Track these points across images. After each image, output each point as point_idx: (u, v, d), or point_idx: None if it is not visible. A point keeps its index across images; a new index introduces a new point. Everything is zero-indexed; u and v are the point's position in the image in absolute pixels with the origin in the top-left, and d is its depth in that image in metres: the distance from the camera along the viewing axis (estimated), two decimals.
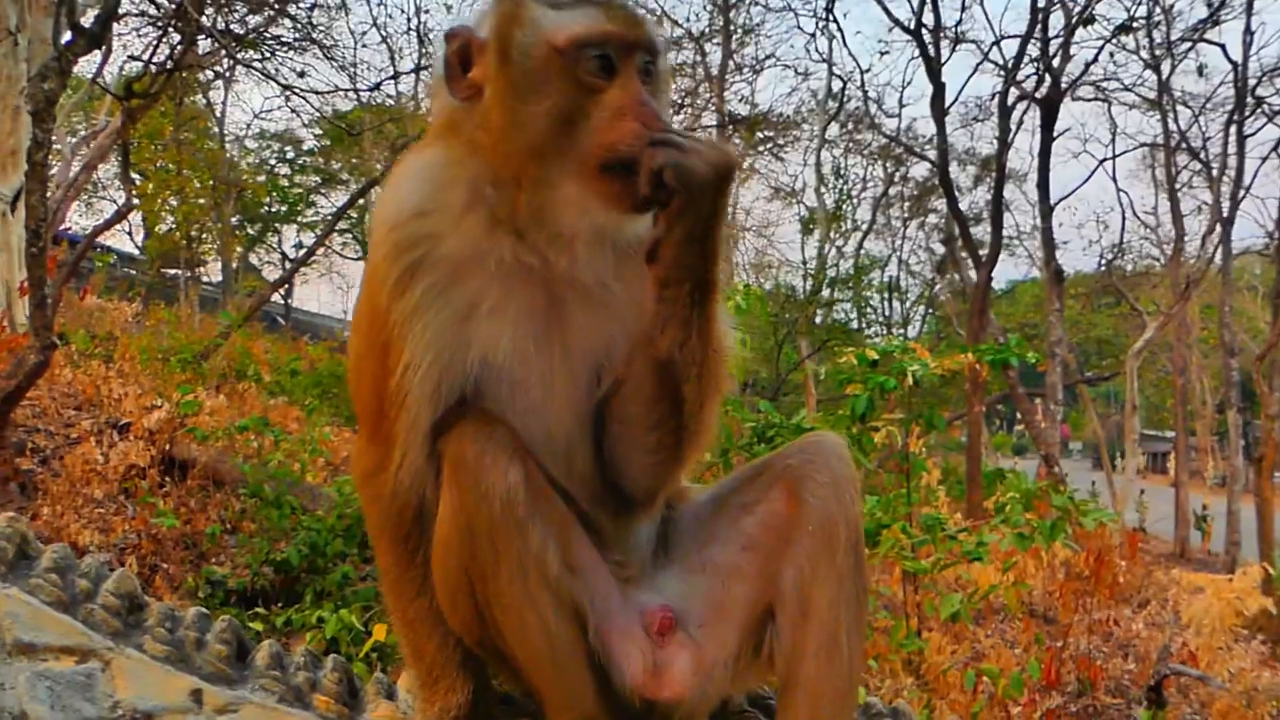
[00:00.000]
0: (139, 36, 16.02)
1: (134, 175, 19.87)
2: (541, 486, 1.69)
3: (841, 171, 31.82)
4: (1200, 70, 21.45)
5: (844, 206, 32.26)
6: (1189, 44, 20.55)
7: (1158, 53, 20.61)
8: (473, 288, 1.69)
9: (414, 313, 1.66)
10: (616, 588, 1.79)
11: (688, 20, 24.02)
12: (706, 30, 23.54)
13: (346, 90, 17.32)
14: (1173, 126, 22.46)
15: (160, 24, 14.54)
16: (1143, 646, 8.34)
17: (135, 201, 18.52)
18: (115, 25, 11.29)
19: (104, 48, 11.68)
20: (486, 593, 1.65)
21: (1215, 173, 21.73)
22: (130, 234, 32.07)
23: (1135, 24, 19.05)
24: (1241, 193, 20.78)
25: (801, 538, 1.75)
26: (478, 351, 1.70)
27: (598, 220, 1.68)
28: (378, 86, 17.73)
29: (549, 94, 1.63)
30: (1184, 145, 22.66)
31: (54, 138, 8.59)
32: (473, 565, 1.64)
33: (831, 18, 21.77)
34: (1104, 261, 27.69)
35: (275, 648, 2.03)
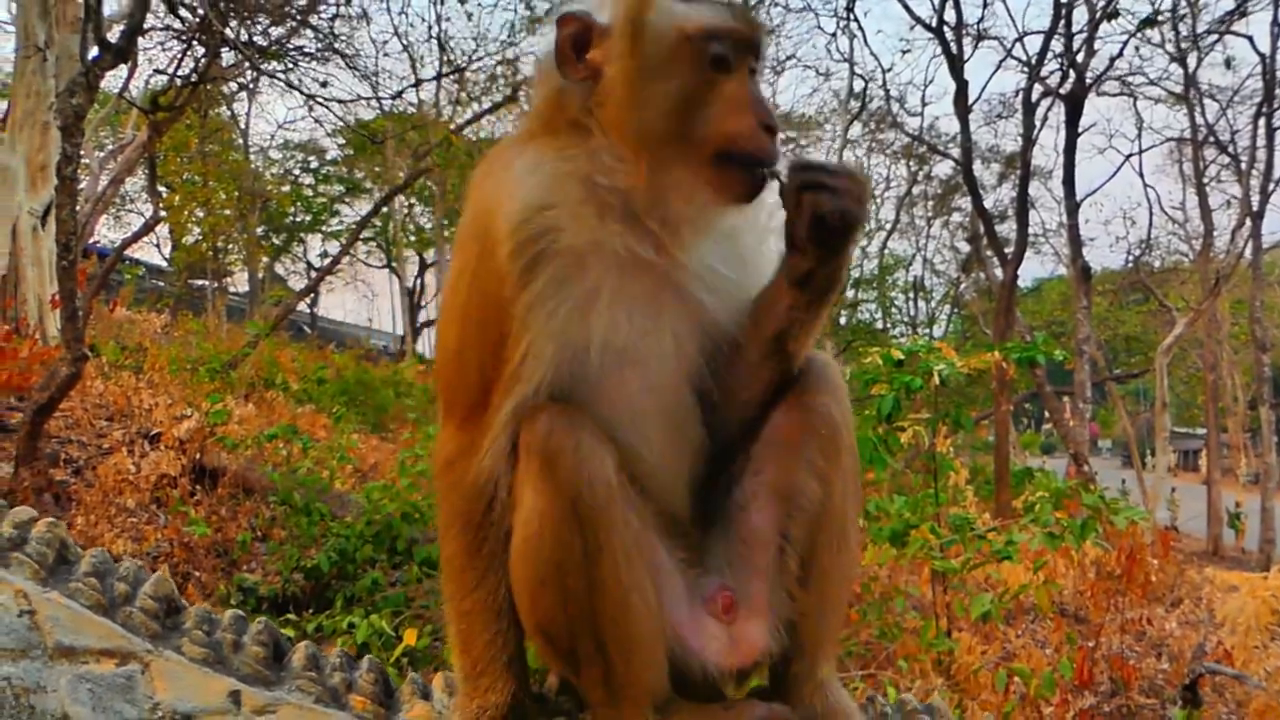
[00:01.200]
0: (164, 50, 16.18)
1: (161, 188, 20.09)
2: (625, 473, 1.73)
3: (864, 171, 31.71)
4: (1228, 62, 21.24)
5: (868, 206, 32.12)
6: (1216, 36, 20.36)
7: (1184, 45, 20.43)
8: (593, 277, 1.73)
9: (537, 303, 1.69)
10: (682, 582, 1.84)
11: None
12: None
13: (369, 99, 17.39)
14: (1200, 120, 22.27)
15: (185, 38, 14.71)
16: (1176, 646, 8.25)
17: (162, 214, 18.72)
18: (140, 40, 11.42)
19: (130, 62, 11.79)
20: (589, 581, 1.67)
21: (1244, 166, 21.51)
22: (158, 246, 32.45)
23: (1160, 17, 18.88)
24: (1271, 186, 20.56)
25: (810, 443, 1.84)
26: (598, 338, 1.74)
27: (703, 207, 1.77)
28: (400, 95, 17.80)
29: (674, 76, 1.72)
30: (1212, 139, 22.44)
31: (82, 152, 8.69)
32: (569, 555, 1.66)
33: (852, 17, 21.69)
34: (1131, 258, 27.49)
35: (311, 649, 2.05)
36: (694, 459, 1.91)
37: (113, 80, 15.25)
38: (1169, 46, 20.59)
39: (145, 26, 11.48)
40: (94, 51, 7.95)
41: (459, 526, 1.82)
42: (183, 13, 13.90)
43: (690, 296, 1.82)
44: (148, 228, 16.64)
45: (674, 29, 1.72)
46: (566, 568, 1.67)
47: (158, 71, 16.20)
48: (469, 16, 19.52)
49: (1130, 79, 21.77)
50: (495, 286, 1.71)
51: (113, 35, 8.49)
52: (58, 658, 1.88)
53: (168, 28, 15.10)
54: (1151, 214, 27.28)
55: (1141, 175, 38.80)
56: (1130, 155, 26.51)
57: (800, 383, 1.87)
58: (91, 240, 18.67)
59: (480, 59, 18.71)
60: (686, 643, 1.80)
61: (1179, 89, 21.81)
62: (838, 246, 1.74)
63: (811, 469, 1.83)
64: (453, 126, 17.88)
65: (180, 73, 14.56)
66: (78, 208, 8.03)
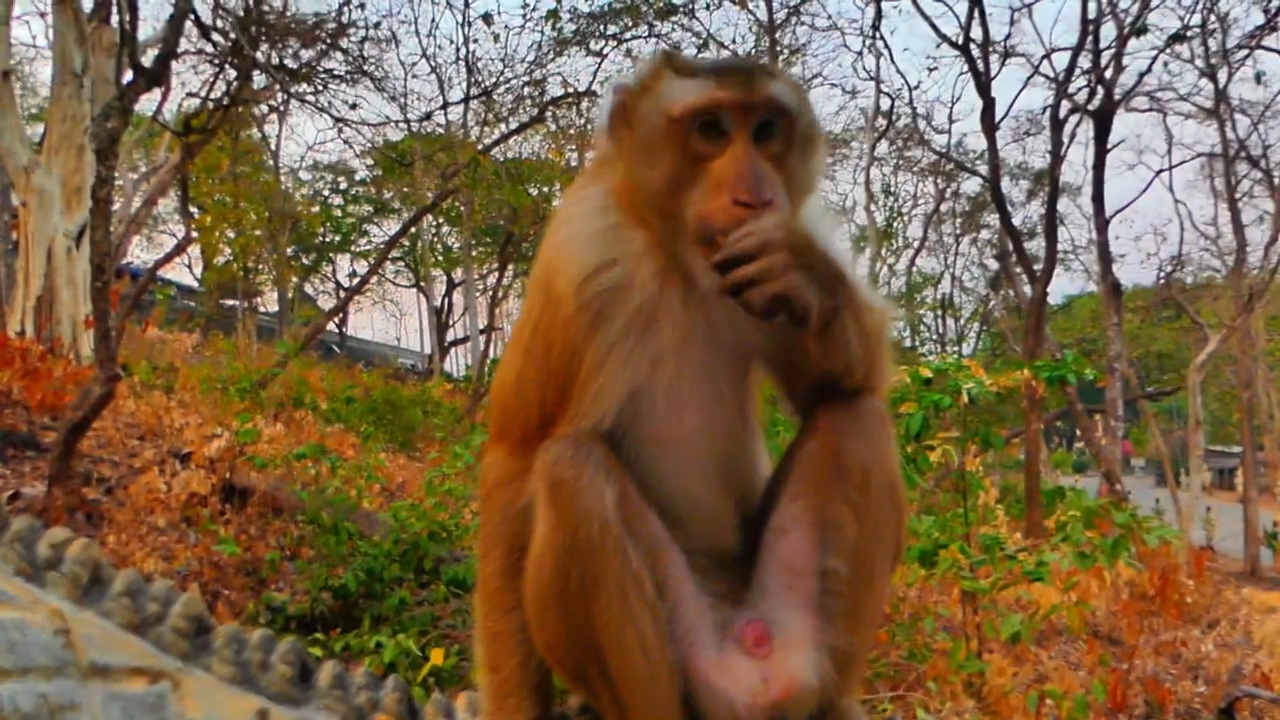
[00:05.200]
0: (197, 74, 16.47)
1: (192, 209, 20.35)
2: (638, 507, 1.74)
3: (892, 189, 31.69)
4: (1258, 77, 21.05)
5: (895, 224, 32.15)
6: (1246, 51, 20.20)
7: (1213, 61, 20.29)
8: (662, 332, 1.76)
9: (607, 353, 1.73)
10: (710, 619, 1.81)
11: (734, 42, 24.09)
12: (754, 52, 23.59)
13: (397, 121, 17.59)
14: (1231, 135, 22.08)
15: (217, 61, 14.93)
16: (1213, 668, 8.12)
17: (194, 234, 18.96)
18: (174, 64, 11.61)
19: (163, 86, 12.01)
20: (586, 610, 1.68)
21: (1277, 181, 21.30)
22: (189, 266, 32.87)
23: (1189, 32, 18.76)
24: None
25: (842, 477, 1.81)
26: (663, 386, 1.78)
27: (712, 281, 1.74)
28: (428, 116, 18.00)
29: (662, 162, 1.71)
30: (1243, 154, 22.24)
31: (116, 174, 8.83)
32: (568, 584, 1.68)
33: (878, 35, 21.65)
34: (1163, 274, 27.22)
35: (338, 669, 2.06)
36: (743, 494, 1.92)
37: (147, 104, 15.51)
38: (1198, 62, 20.47)
39: (178, 51, 11.66)
40: (129, 76, 8.10)
41: (502, 548, 1.83)
42: (215, 37, 14.12)
43: (744, 338, 1.84)
44: (180, 248, 16.85)
45: (661, 114, 1.71)
46: (566, 595, 1.69)
47: (190, 95, 16.50)
48: (496, 39, 19.68)
49: (1159, 94, 21.65)
50: (559, 334, 1.74)
51: (147, 60, 8.64)
52: (91, 676, 1.90)
53: (200, 52, 15.39)
54: (1183, 230, 26.95)
55: (1172, 191, 38.48)
56: (1160, 171, 26.21)
57: (835, 418, 1.84)
58: (124, 261, 18.95)
59: (507, 80, 18.87)
60: (712, 684, 1.76)
61: (1209, 104, 21.65)
62: (817, 329, 1.70)
63: (845, 502, 1.81)
64: (480, 147, 18.00)
65: (212, 96, 14.78)
66: (111, 229, 8.15)
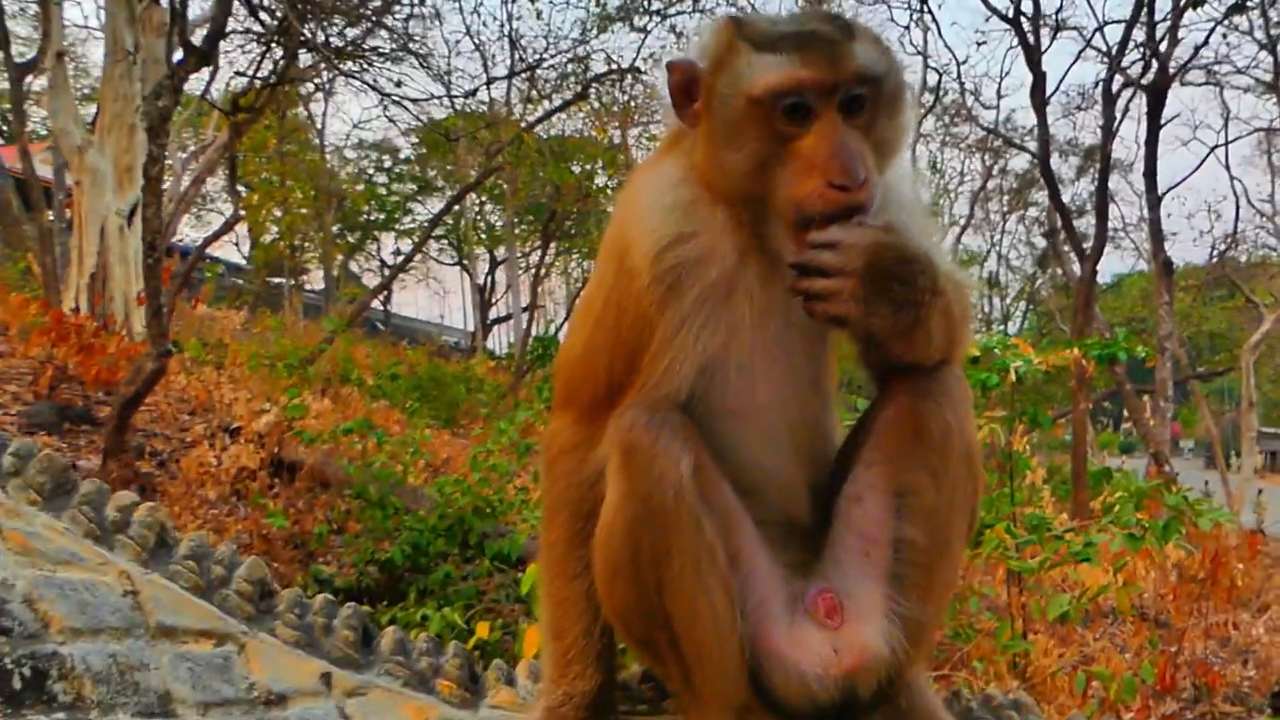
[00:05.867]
0: (244, 53, 16.58)
1: (240, 187, 20.57)
2: (712, 476, 1.73)
3: (938, 165, 31.27)
4: None
5: (941, 201, 31.74)
6: None
7: (1274, 32, 19.73)
8: (737, 308, 1.74)
9: (681, 325, 1.70)
10: (782, 591, 1.81)
11: None
12: None
13: (442, 98, 17.61)
14: None
15: (264, 40, 15.04)
16: (1264, 652, 8.00)
17: (242, 213, 19.17)
18: (222, 43, 11.71)
19: (212, 65, 12.12)
20: (657, 579, 1.68)
21: None
22: (237, 244, 33.28)
23: (1250, 3, 18.22)
24: None
25: (922, 443, 1.79)
26: (736, 359, 1.76)
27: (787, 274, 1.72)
28: (473, 93, 17.98)
29: (746, 143, 1.66)
30: None
31: (165, 153, 8.95)
32: (639, 552, 1.67)
33: (926, 9, 21.27)
34: (1216, 252, 26.63)
35: (399, 634, 2.09)
36: (817, 465, 1.91)
37: (195, 83, 15.70)
38: (1258, 33, 19.90)
39: (226, 30, 11.75)
40: (179, 55, 8.18)
41: (566, 514, 1.83)
42: (263, 16, 14.22)
43: (810, 327, 1.80)
44: (228, 226, 17.03)
45: (741, 94, 1.65)
46: (637, 562, 1.68)
47: (238, 73, 16.58)
48: (539, 15, 19.67)
49: (1216, 68, 21.11)
50: (632, 304, 1.73)
51: (196, 39, 8.73)
52: (159, 637, 1.95)
53: (248, 30, 15.47)
54: (1238, 207, 26.23)
55: (1228, 167, 37.39)
56: (1216, 147, 25.52)
57: (915, 383, 1.81)
58: (174, 239, 19.20)
59: (552, 57, 18.83)
60: (783, 656, 1.76)
61: (1269, 77, 21.08)
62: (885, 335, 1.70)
63: (924, 467, 1.79)
64: (524, 124, 18.02)
65: (260, 74, 14.90)
66: (162, 207, 8.27)
